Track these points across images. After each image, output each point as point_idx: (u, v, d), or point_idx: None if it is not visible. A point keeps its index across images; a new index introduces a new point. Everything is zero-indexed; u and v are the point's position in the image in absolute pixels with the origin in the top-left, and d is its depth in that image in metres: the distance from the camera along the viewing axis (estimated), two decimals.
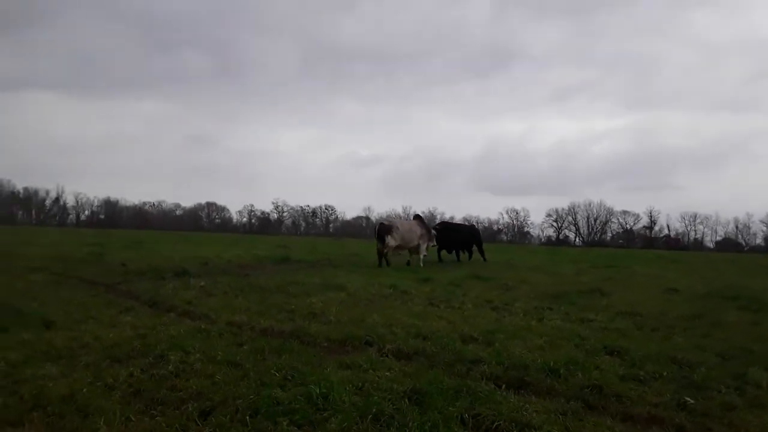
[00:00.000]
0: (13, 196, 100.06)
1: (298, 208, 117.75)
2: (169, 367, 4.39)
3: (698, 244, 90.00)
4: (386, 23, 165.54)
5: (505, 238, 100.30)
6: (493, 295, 9.93)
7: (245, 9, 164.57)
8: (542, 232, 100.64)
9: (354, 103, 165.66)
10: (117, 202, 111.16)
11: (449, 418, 3.47)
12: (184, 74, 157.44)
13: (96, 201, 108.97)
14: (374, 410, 3.51)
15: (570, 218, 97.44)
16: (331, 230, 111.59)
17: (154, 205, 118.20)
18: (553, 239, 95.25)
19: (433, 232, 17.94)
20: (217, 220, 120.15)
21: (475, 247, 20.72)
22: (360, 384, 4.07)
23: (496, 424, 3.44)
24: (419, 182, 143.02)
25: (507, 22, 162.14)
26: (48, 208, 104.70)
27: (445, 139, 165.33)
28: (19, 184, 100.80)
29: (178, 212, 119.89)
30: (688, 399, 4.20)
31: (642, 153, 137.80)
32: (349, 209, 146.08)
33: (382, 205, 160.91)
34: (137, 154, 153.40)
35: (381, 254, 15.83)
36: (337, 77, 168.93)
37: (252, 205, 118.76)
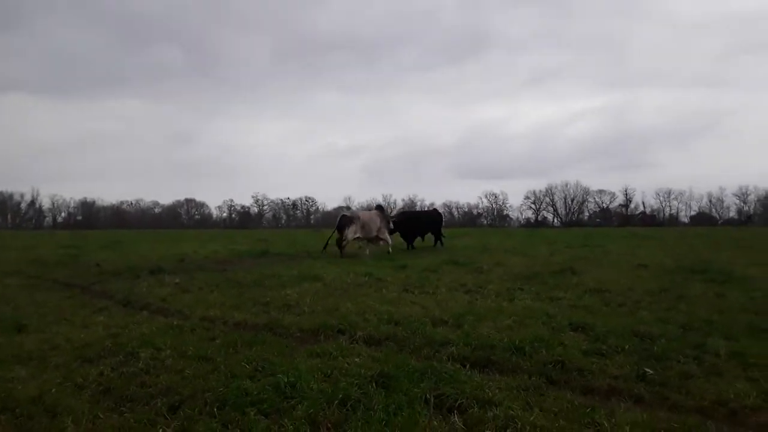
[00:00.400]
0: None
1: (279, 201, 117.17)
2: (139, 364, 4.44)
3: (673, 220, 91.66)
4: (360, 12, 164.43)
5: (485, 222, 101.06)
6: (468, 279, 10.07)
7: (218, 4, 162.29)
8: (521, 214, 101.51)
9: (332, 94, 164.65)
10: (94, 202, 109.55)
11: (413, 399, 3.58)
12: (162, 71, 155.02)
13: (72, 203, 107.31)
14: (341, 396, 3.60)
15: (548, 200, 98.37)
16: (312, 221, 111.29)
17: (131, 204, 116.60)
18: (532, 221, 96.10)
19: (390, 225, 17.72)
20: (196, 217, 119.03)
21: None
22: (329, 371, 4.17)
23: (459, 402, 3.56)
24: (400, 170, 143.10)
25: (481, 7, 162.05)
26: (24, 211, 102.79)
27: (425, 126, 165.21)
28: None
29: (156, 210, 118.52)
30: (648, 370, 4.36)
31: (617, 132, 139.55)
32: (329, 200, 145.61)
33: (362, 194, 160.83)
34: (115, 154, 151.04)
35: (339, 245, 15.72)
36: (314, 68, 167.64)
37: (232, 200, 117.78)
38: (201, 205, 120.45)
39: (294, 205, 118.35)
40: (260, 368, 4.28)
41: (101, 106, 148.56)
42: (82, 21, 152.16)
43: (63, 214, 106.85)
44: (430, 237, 20.51)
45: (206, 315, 6.55)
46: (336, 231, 15.96)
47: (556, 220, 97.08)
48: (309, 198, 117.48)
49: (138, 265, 12.54)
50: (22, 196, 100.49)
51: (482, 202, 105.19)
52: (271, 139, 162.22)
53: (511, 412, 3.36)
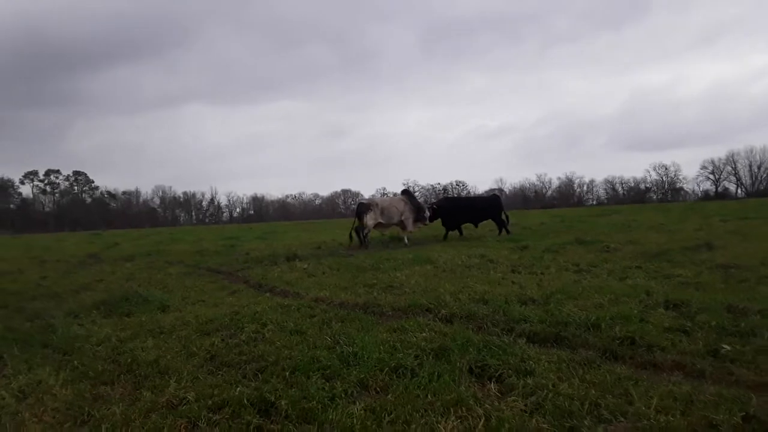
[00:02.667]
0: (175, 200, 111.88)
1: (429, 187, 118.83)
2: (243, 336, 5.16)
3: None
4: None
5: (654, 197, 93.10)
6: (588, 258, 9.85)
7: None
8: (698, 186, 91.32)
9: (478, 75, 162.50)
10: (263, 197, 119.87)
11: (458, 368, 3.86)
12: (313, 70, 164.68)
13: (245, 198, 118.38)
14: (394, 364, 3.99)
15: (729, 168, 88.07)
16: None
17: (295, 197, 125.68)
18: (711, 193, 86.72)
19: (427, 212, 16.88)
20: (353, 206, 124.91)
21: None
22: (396, 344, 4.55)
23: (499, 372, 3.77)
24: (554, 148, 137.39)
25: None
26: (205, 208, 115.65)
27: (580, 100, 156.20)
28: (179, 190, 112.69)
29: (317, 202, 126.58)
30: (724, 346, 4.19)
31: None
32: (480, 183, 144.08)
33: (515, 175, 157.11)
34: (278, 152, 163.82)
35: (359, 233, 15.34)
36: (460, 51, 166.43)
37: (384, 188, 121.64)
38: (356, 195, 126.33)
39: (444, 189, 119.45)
40: (339, 341, 4.78)
41: (263, 109, 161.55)
42: (240, 31, 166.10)
43: (237, 210, 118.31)
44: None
45: (318, 296, 7.22)
46: (356, 219, 15.66)
47: (740, 191, 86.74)
48: (459, 182, 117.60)
49: (279, 252, 13.87)
50: (203, 194, 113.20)
51: (650, 176, 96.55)
52: (419, 125, 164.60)
53: (543, 381, 3.51)
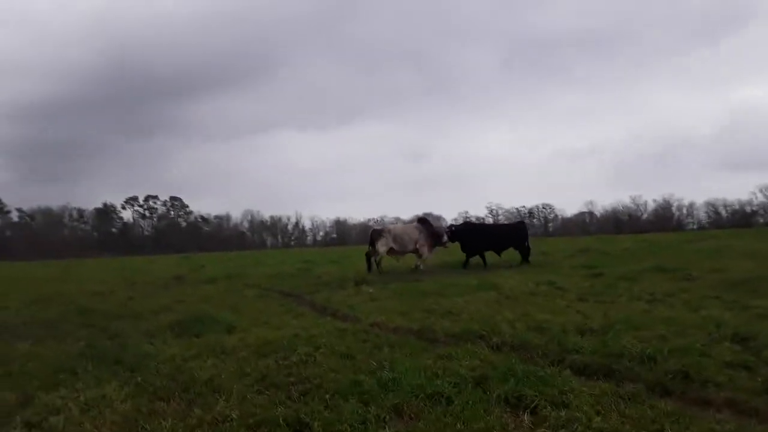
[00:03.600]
0: (262, 224, 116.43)
1: (513, 210, 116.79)
2: (294, 358, 5.35)
3: None
4: (589, 4, 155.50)
5: (761, 220, 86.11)
6: (665, 287, 9.39)
7: (444, 20, 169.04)
8: None
9: (566, 94, 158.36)
10: (345, 221, 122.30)
11: (494, 397, 3.85)
12: (397, 93, 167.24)
13: (328, 222, 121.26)
14: (430, 391, 4.03)
15: None
16: (550, 229, 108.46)
17: (377, 220, 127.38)
18: None
19: (445, 237, 16.78)
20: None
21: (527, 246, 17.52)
22: (438, 371, 4.58)
23: (535, 403, 3.72)
24: (648, 168, 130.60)
25: None
26: (290, 232, 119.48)
27: (675, 117, 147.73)
28: (267, 213, 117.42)
29: None
30: None
31: None
32: (569, 206, 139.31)
33: (606, 197, 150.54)
34: (361, 175, 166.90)
35: (369, 259, 15.63)
36: (546, 70, 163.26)
37: (466, 212, 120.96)
38: (437, 218, 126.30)
39: (530, 213, 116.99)
40: (384, 366, 4.86)
41: (348, 132, 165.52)
42: (326, 57, 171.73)
43: (321, 233, 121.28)
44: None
45: (375, 320, 7.34)
46: (369, 246, 15.75)
47: None
48: (546, 205, 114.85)
49: (348, 276, 14.15)
50: (288, 218, 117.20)
51: (756, 197, 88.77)
52: (504, 147, 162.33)
53: (578, 414, 3.43)
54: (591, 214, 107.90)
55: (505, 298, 8.88)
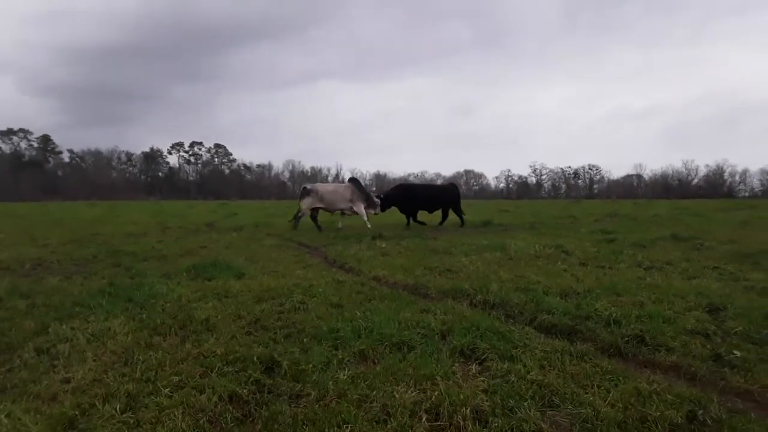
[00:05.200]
0: (303, 174, 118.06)
1: (558, 170, 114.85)
2: (288, 305, 5.78)
3: None
4: None
5: None
6: (673, 255, 9.47)
7: None
8: None
9: (626, 50, 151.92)
10: (385, 175, 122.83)
11: (450, 348, 4.20)
12: (448, 48, 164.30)
13: (368, 175, 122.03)
14: (396, 340, 4.40)
15: None
16: (595, 191, 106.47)
17: (417, 176, 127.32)
18: None
19: (377, 200, 17.31)
20: (475, 188, 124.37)
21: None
22: (411, 323, 4.93)
23: (485, 355, 4.05)
24: (709, 132, 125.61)
25: None
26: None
27: (743, 80, 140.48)
28: (308, 164, 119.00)
29: (439, 181, 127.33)
30: (735, 352, 4.15)
31: None
32: (616, 168, 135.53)
33: (657, 160, 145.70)
34: (403, 129, 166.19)
35: (296, 216, 16.61)
36: (607, 24, 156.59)
37: (509, 170, 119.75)
38: (479, 176, 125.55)
39: (575, 174, 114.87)
40: (367, 316, 5.25)
41: (394, 86, 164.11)
42: (378, 9, 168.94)
43: None
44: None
45: (376, 275, 7.73)
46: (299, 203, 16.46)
47: None
48: (593, 166, 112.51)
49: (365, 231, 14.56)
50: (329, 170, 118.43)
51: None
52: (553, 105, 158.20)
53: (519, 367, 3.76)
54: (639, 177, 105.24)
55: (508, 259, 9.12)
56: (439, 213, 18.41)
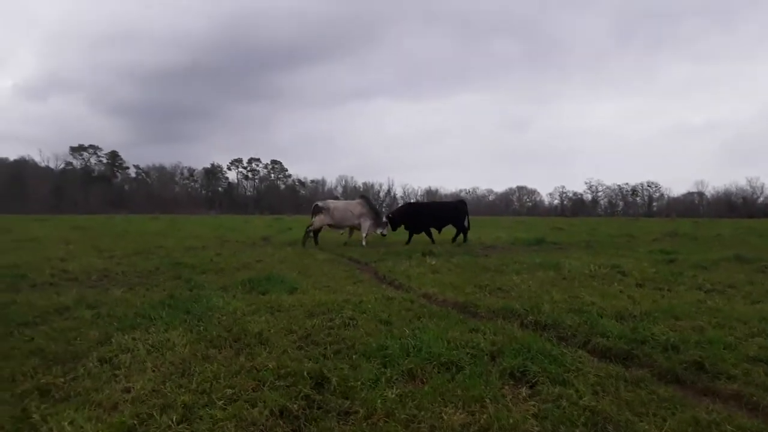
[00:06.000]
0: (355, 190, 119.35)
1: (615, 187, 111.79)
2: (338, 320, 5.86)
3: None
4: None
5: None
6: (737, 278, 9.07)
7: None
8: None
9: (683, 65, 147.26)
10: (437, 190, 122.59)
11: (500, 370, 4.17)
12: (498, 64, 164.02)
13: (419, 191, 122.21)
14: (444, 359, 4.40)
15: None
16: (654, 209, 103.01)
17: (468, 192, 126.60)
18: None
19: (384, 219, 17.60)
20: (528, 204, 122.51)
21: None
22: (460, 342, 4.91)
23: (536, 378, 3.99)
24: None
25: None
26: (381, 199, 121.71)
27: None
28: (360, 180, 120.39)
29: (490, 198, 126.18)
30: None
31: None
32: (677, 184, 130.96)
33: (719, 177, 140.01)
34: (455, 145, 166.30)
35: (307, 233, 16.70)
36: (661, 39, 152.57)
37: (563, 187, 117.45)
38: (532, 192, 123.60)
39: (633, 191, 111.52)
40: (416, 334, 5.26)
41: (445, 102, 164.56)
42: (427, 27, 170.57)
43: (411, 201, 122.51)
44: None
45: (426, 292, 7.74)
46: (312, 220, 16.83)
47: None
48: (652, 183, 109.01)
49: (417, 248, 14.57)
50: (380, 185, 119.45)
51: None
52: (608, 120, 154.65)
53: (571, 392, 3.68)
54: (701, 195, 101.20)
55: (562, 278, 8.94)
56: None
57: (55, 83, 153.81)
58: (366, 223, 17.07)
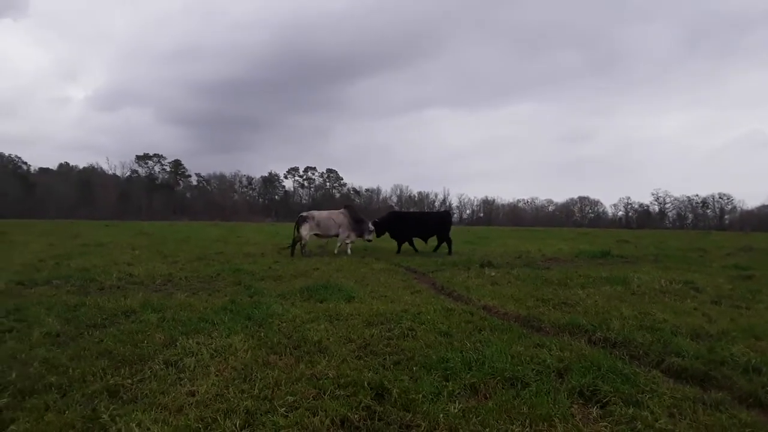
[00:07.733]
0: (410, 199, 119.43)
1: (684, 199, 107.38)
2: (396, 331, 5.78)
3: None
4: None
5: None
6: None
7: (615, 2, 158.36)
8: None
9: (754, 74, 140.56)
10: (493, 201, 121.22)
11: (568, 388, 3.97)
12: (558, 75, 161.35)
13: (476, 201, 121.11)
14: (509, 375, 4.24)
15: None
16: (726, 221, 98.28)
17: (527, 202, 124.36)
18: None
19: (371, 226, 17.48)
20: (590, 215, 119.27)
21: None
22: (525, 358, 4.74)
23: (607, 398, 3.78)
24: None
25: None
26: (437, 209, 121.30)
27: None
28: (415, 189, 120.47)
29: (550, 208, 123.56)
30: None
31: None
32: (751, 197, 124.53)
33: None
34: (513, 156, 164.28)
35: (294, 243, 16.45)
36: (731, 48, 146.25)
37: (628, 198, 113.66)
38: (595, 203, 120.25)
39: (704, 203, 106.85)
40: (478, 348, 5.12)
41: (504, 113, 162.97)
42: (486, 39, 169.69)
43: (468, 212, 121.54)
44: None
45: (486, 304, 7.55)
46: (295, 231, 16.66)
47: None
48: (723, 195, 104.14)
49: (476, 258, 14.33)
50: (436, 195, 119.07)
51: None
52: (675, 131, 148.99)
53: (645, 413, 3.46)
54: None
55: (631, 294, 8.55)
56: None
57: (123, 95, 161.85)
58: (344, 233, 17.36)
